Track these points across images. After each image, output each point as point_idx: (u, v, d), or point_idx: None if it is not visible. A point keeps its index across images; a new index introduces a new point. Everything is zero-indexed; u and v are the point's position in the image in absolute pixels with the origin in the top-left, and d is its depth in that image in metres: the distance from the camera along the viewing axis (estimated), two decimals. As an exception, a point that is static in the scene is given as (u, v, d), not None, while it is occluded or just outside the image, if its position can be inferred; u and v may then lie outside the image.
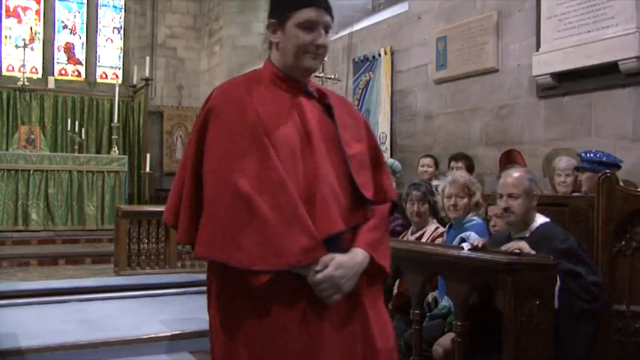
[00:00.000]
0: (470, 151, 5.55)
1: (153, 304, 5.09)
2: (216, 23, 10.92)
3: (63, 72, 10.89)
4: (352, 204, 1.70)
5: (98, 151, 9.97)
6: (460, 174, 3.71)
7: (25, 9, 10.63)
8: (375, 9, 7.77)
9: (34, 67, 10.56)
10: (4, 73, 10.31)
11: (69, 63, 10.98)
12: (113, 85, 9.77)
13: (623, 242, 2.91)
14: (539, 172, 4.69)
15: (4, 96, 9.52)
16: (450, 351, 2.84)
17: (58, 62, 10.85)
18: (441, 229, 3.64)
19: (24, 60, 9.50)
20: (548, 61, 4.85)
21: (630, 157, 4.17)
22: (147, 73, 9.42)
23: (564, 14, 4.75)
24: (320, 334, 1.61)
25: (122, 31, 11.35)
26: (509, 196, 2.81)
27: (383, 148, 6.57)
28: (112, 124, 9.36)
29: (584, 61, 4.55)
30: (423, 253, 2.92)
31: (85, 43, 11.08)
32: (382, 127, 6.86)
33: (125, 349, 3.93)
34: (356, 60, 7.39)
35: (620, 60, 4.29)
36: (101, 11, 11.25)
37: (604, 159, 3.70)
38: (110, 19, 11.34)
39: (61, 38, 10.93)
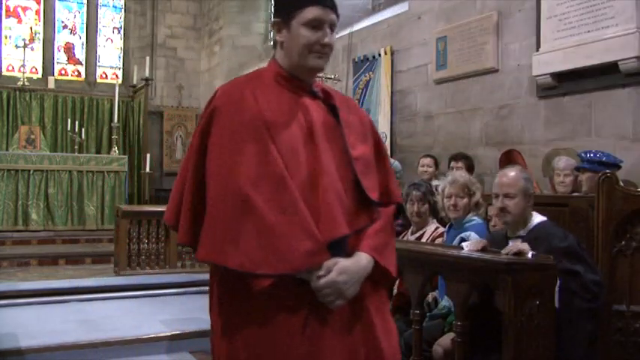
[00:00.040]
0: (470, 151, 5.54)
1: (153, 304, 5.09)
2: (216, 23, 10.92)
3: (63, 72, 10.90)
4: (357, 206, 1.67)
5: (98, 151, 9.97)
6: (460, 174, 3.71)
7: (25, 9, 10.64)
8: (375, 9, 7.76)
9: (34, 67, 10.57)
10: (4, 73, 10.32)
11: (69, 63, 10.99)
12: (113, 85, 9.78)
13: (623, 242, 2.90)
14: (539, 172, 4.69)
15: (4, 96, 9.53)
16: (449, 351, 2.84)
17: (58, 62, 10.86)
18: (441, 229, 3.64)
19: (24, 60, 9.51)
20: (548, 61, 4.84)
21: (630, 157, 4.16)
22: (147, 73, 9.42)
23: (564, 14, 4.75)
24: (322, 339, 1.58)
25: (122, 31, 11.36)
26: (506, 195, 2.79)
27: (383, 148, 6.55)
28: (112, 124, 9.37)
29: (584, 61, 4.55)
30: (423, 253, 2.92)
31: (85, 43, 11.09)
32: (382, 127, 6.84)
33: (125, 349, 3.93)
34: (356, 60, 7.38)
35: (620, 60, 4.29)
36: (101, 11, 11.26)
37: (604, 159, 3.70)
38: (110, 19, 11.34)
39: (61, 38, 10.94)
